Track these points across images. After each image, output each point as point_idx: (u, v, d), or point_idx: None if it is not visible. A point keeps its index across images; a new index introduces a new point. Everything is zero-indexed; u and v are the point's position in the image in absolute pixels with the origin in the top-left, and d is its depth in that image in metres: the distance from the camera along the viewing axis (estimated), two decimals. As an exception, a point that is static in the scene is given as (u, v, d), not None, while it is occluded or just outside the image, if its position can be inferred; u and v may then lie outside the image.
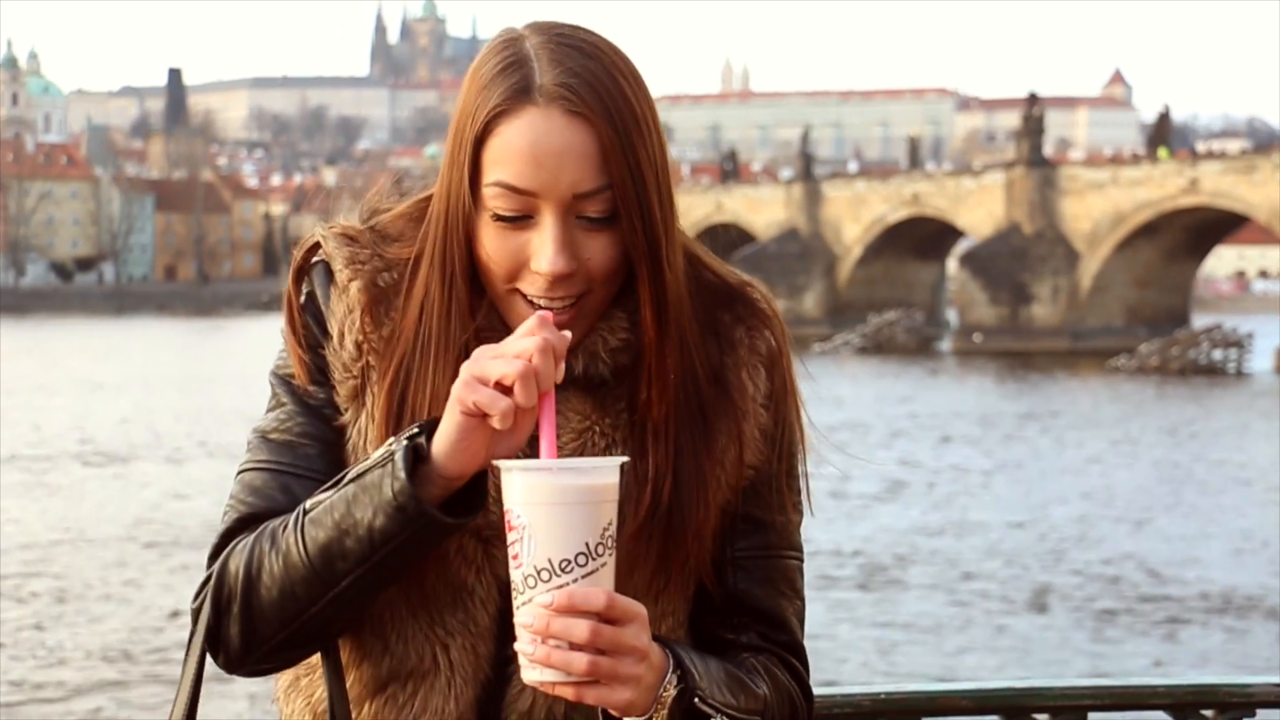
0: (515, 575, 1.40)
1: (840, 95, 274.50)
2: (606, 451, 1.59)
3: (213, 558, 1.60)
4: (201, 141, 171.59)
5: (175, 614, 16.54)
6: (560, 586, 1.37)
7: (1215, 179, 62.61)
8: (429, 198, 1.69)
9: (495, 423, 1.41)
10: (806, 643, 1.72)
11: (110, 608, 17.16)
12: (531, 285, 1.55)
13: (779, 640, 1.68)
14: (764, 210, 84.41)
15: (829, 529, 20.60)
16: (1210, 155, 67.28)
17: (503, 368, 1.41)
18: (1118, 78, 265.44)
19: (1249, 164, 62.55)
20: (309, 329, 1.66)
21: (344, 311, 1.64)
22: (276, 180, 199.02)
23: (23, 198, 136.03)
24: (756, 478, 1.66)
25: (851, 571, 18.87)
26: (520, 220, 1.54)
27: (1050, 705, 2.53)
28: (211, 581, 1.57)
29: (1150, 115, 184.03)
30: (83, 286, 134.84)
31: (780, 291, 78.89)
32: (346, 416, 1.63)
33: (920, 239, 77.19)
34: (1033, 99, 73.28)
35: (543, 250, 1.52)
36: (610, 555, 1.40)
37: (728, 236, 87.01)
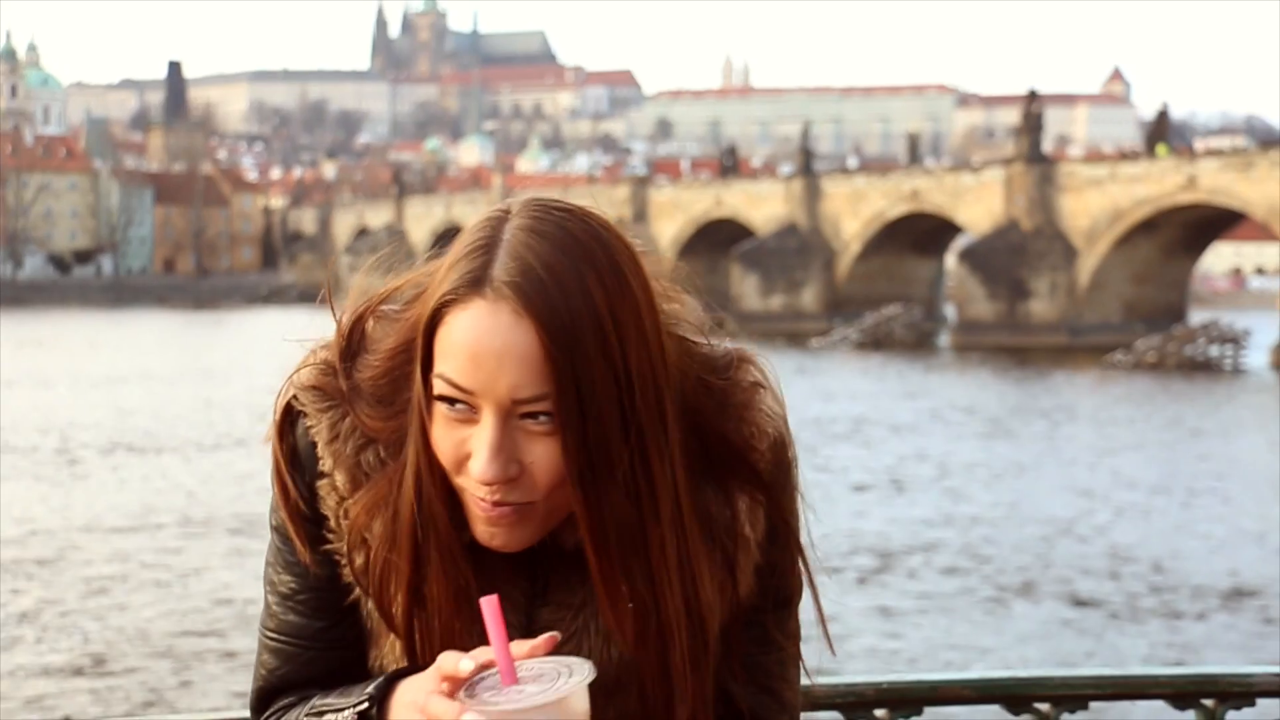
0: None
1: (840, 91, 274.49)
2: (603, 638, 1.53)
3: (255, 713, 1.62)
4: (201, 135, 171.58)
5: (223, 600, 16.60)
6: None
7: (1213, 176, 62.66)
8: (416, 297, 1.57)
9: None
10: (809, 637, 1.68)
11: (150, 595, 17.19)
12: (474, 485, 1.46)
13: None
14: (763, 205, 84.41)
15: (830, 520, 20.63)
16: (1208, 152, 67.29)
17: None
18: (1117, 75, 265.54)
19: (1246, 161, 62.59)
20: (303, 500, 1.58)
21: (336, 501, 1.55)
22: (276, 174, 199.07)
23: (21, 190, 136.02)
24: (746, 615, 1.59)
25: (853, 562, 18.90)
26: (465, 409, 1.44)
27: (1052, 695, 2.54)
28: None
29: (1149, 112, 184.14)
30: (81, 279, 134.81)
31: (779, 287, 79.02)
32: (356, 592, 1.58)
33: (919, 235, 77.22)
34: (1032, 96, 73.30)
35: (478, 453, 1.44)
36: None
37: (728, 231, 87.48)
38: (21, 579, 18.23)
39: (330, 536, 1.56)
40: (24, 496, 24.36)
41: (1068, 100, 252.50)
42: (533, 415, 1.42)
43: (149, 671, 14.09)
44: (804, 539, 1.63)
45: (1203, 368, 54.98)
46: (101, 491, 25.08)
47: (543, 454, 1.43)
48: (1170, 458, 30.00)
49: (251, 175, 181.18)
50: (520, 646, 1.36)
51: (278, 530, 1.60)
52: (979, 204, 71.37)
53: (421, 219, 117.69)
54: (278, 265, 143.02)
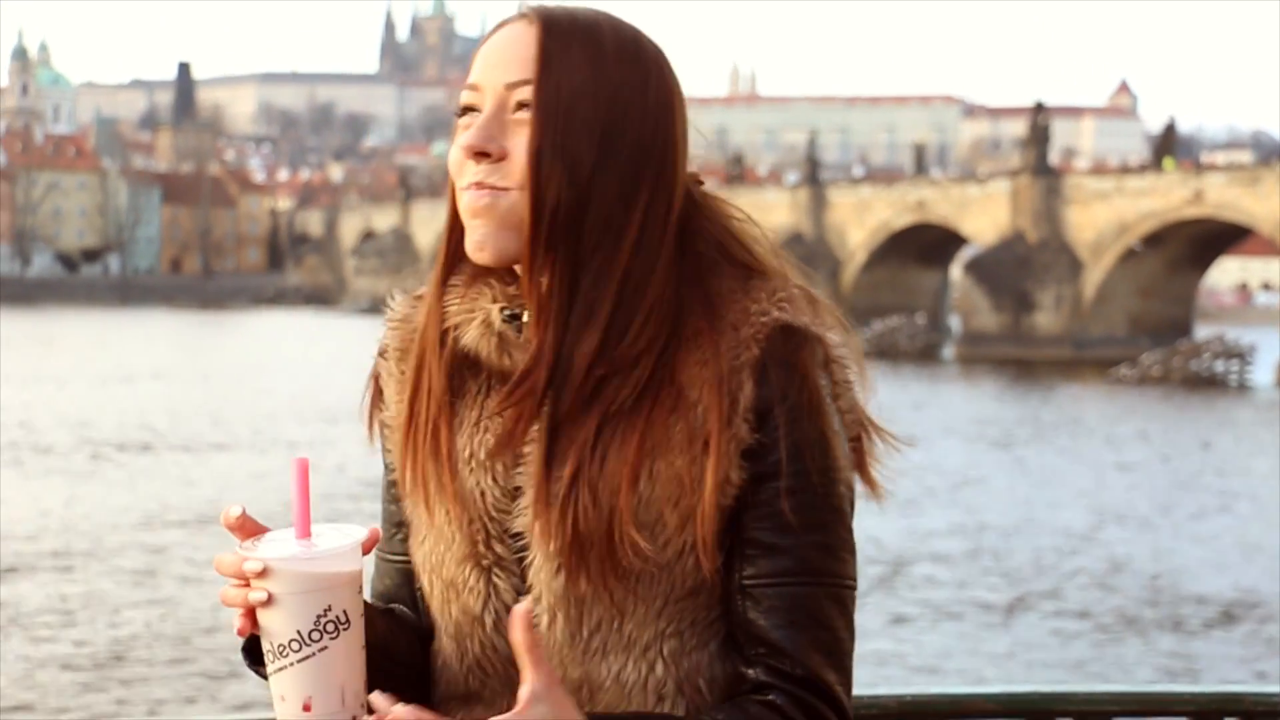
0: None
1: (847, 101, 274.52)
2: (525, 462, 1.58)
3: None
4: (209, 135, 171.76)
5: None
6: (281, 669, 1.44)
7: (1220, 191, 62.60)
8: None
9: None
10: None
11: (175, 590, 17.21)
12: (465, 174, 1.58)
13: (791, 675, 1.53)
14: (769, 214, 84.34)
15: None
16: (1215, 167, 67.26)
17: None
18: (1124, 88, 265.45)
19: (1253, 176, 62.55)
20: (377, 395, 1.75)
21: (387, 374, 1.73)
22: (283, 175, 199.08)
23: (30, 188, 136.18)
24: (755, 497, 1.54)
25: (863, 571, 18.89)
26: (471, 114, 1.59)
27: (1075, 710, 2.54)
28: None
29: (1156, 126, 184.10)
30: (88, 278, 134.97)
31: (784, 295, 78.81)
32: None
33: (924, 245, 77.20)
34: (1039, 108, 73.28)
35: (469, 131, 1.58)
36: (332, 639, 1.44)
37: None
38: (43, 575, 18.26)
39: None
40: (41, 493, 24.40)
41: (1074, 112, 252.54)
42: (518, 106, 1.55)
43: (170, 669, 14.11)
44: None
45: (1208, 383, 54.91)
46: (118, 490, 25.11)
47: (520, 142, 1.55)
48: (1176, 472, 29.98)
49: (259, 176, 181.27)
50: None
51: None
52: (984, 215, 71.34)
53: (428, 222, 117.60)
54: (284, 267, 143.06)
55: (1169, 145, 77.53)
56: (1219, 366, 56.74)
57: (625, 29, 1.60)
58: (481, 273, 1.63)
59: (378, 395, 1.73)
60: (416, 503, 1.65)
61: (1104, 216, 66.12)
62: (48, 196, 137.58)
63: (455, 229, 1.63)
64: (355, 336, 78.01)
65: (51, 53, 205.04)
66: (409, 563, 1.69)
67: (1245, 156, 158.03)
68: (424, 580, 1.65)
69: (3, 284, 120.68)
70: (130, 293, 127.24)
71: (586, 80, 1.54)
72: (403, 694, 1.49)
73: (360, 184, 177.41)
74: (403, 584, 1.71)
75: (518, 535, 1.57)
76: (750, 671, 1.54)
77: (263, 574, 1.42)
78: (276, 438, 32.88)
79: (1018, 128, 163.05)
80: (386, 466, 1.73)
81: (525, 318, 1.60)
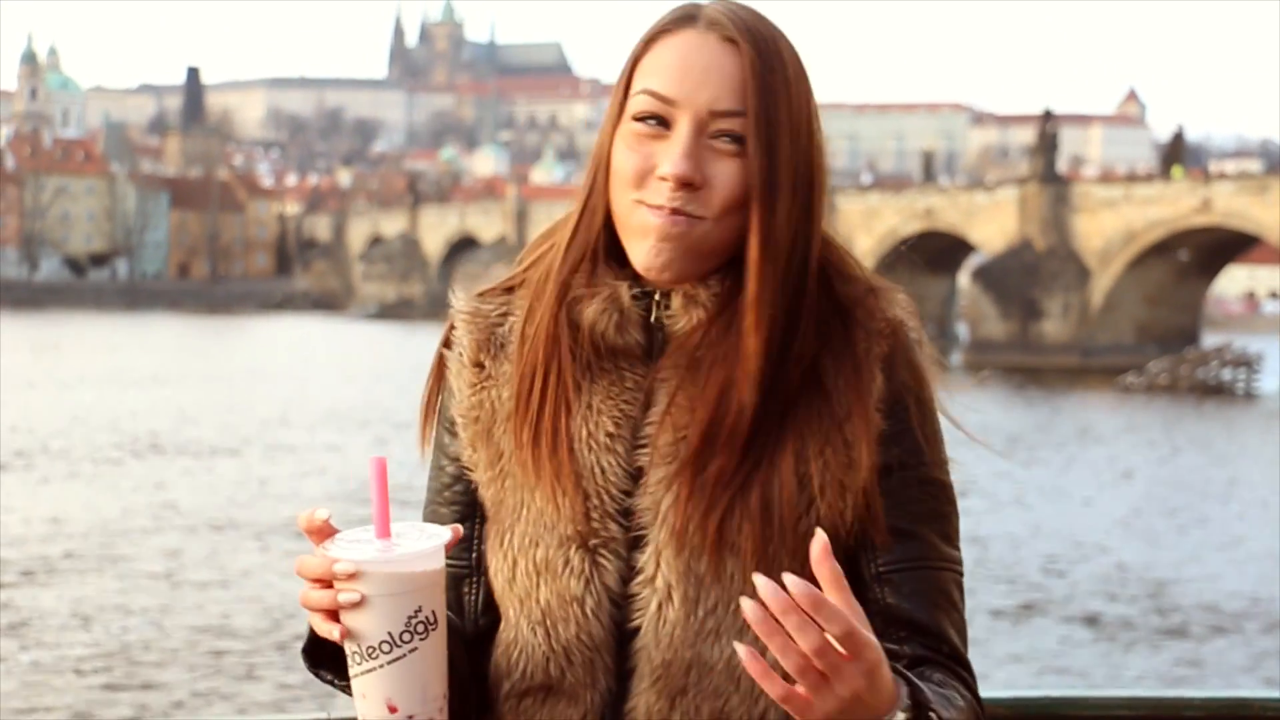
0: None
1: (855, 108, 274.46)
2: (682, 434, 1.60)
3: None
4: (218, 140, 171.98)
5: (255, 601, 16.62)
6: (369, 671, 1.45)
7: (1228, 199, 62.60)
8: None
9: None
10: None
11: (191, 596, 17.26)
12: (655, 193, 1.58)
13: (941, 652, 1.62)
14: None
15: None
16: (1223, 175, 67.26)
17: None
18: (1132, 96, 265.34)
19: (1261, 185, 62.56)
20: (443, 400, 1.75)
21: (458, 368, 1.72)
22: (291, 180, 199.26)
23: (39, 192, 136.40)
24: (886, 486, 1.62)
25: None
26: (655, 126, 1.58)
27: (1086, 715, 2.56)
28: None
29: (1164, 134, 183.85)
30: (96, 282, 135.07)
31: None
32: (476, 474, 1.71)
33: (932, 253, 77.15)
34: (1047, 115, 73.26)
35: (670, 154, 1.56)
36: (422, 640, 1.45)
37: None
38: (55, 578, 18.31)
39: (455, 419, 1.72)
40: (50, 497, 24.45)
41: (1082, 120, 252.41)
42: (721, 135, 1.56)
43: (184, 674, 14.14)
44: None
45: (1215, 391, 54.84)
46: (126, 494, 25.15)
47: (725, 173, 1.56)
48: (1183, 480, 29.96)
49: (267, 181, 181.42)
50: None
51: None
52: (993, 223, 71.32)
53: (436, 228, 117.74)
54: (292, 272, 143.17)
55: (1177, 153, 77.53)
56: (1226, 375, 56.67)
57: (790, 44, 1.63)
58: (597, 267, 1.66)
59: (437, 388, 1.75)
60: (508, 488, 1.66)
61: (1112, 224, 66.12)
62: (56, 201, 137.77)
63: (599, 233, 1.65)
64: (363, 341, 78.15)
65: (60, 57, 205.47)
66: (456, 566, 1.70)
67: (1253, 165, 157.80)
68: (503, 568, 1.65)
69: (10, 288, 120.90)
70: (138, 297, 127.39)
71: (787, 114, 1.59)
72: (454, 694, 1.52)
73: (368, 189, 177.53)
74: (449, 587, 1.71)
75: (628, 515, 1.60)
76: (904, 648, 1.61)
77: (353, 576, 1.43)
78: (284, 443, 32.92)
79: (1026, 135, 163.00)
80: (439, 467, 1.74)
81: (660, 298, 1.63)
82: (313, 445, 32.34)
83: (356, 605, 1.43)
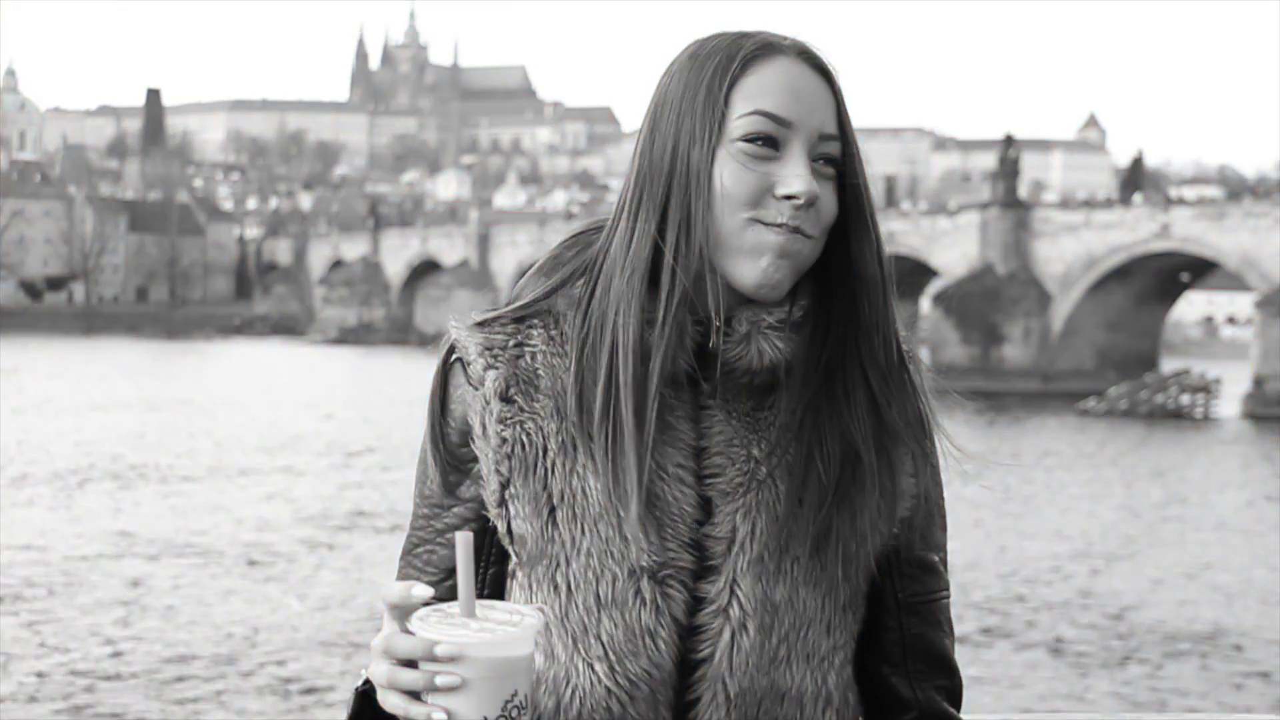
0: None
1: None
2: (758, 483, 1.63)
3: None
4: (178, 163, 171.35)
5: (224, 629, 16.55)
6: None
7: (1186, 225, 63.16)
8: (584, 231, 1.75)
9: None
10: None
11: (156, 622, 17.17)
12: (775, 212, 1.61)
13: (948, 687, 1.74)
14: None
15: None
16: (1182, 201, 67.87)
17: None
18: (1092, 121, 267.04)
19: (1220, 211, 63.14)
20: (449, 438, 1.70)
21: (481, 405, 1.67)
22: (252, 203, 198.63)
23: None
24: (916, 516, 1.71)
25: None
26: (768, 147, 1.61)
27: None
28: None
29: (1124, 160, 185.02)
30: (52, 306, 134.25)
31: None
32: (493, 514, 1.67)
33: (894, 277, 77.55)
34: (1008, 140, 73.78)
35: (794, 174, 1.61)
36: None
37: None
38: (20, 604, 18.21)
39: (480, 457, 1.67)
40: (6, 524, 24.30)
41: (1043, 145, 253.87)
42: (821, 158, 1.63)
43: (145, 701, 14.08)
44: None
45: (1174, 416, 55.26)
46: (85, 520, 25.02)
47: (826, 194, 1.63)
48: (1142, 504, 30.17)
49: (227, 204, 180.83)
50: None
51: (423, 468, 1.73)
52: (954, 248, 71.75)
53: (398, 251, 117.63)
54: (252, 296, 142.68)
55: (1137, 179, 78.14)
56: (1185, 400, 57.12)
57: None
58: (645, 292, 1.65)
59: (442, 421, 1.69)
60: (560, 521, 1.63)
61: (1072, 249, 66.61)
62: (12, 224, 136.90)
63: (648, 258, 1.64)
64: (323, 366, 77.89)
65: (18, 78, 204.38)
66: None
67: (1213, 191, 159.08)
68: (553, 607, 1.63)
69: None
70: (95, 321, 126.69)
71: (857, 151, 1.68)
72: None
73: (330, 212, 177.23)
74: None
75: (699, 545, 1.61)
76: (919, 694, 1.72)
77: (454, 659, 1.40)
78: (242, 468, 32.81)
79: (988, 160, 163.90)
80: (440, 507, 1.71)
81: (720, 324, 1.63)
82: (273, 471, 32.25)
83: (455, 688, 1.41)
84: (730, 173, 1.61)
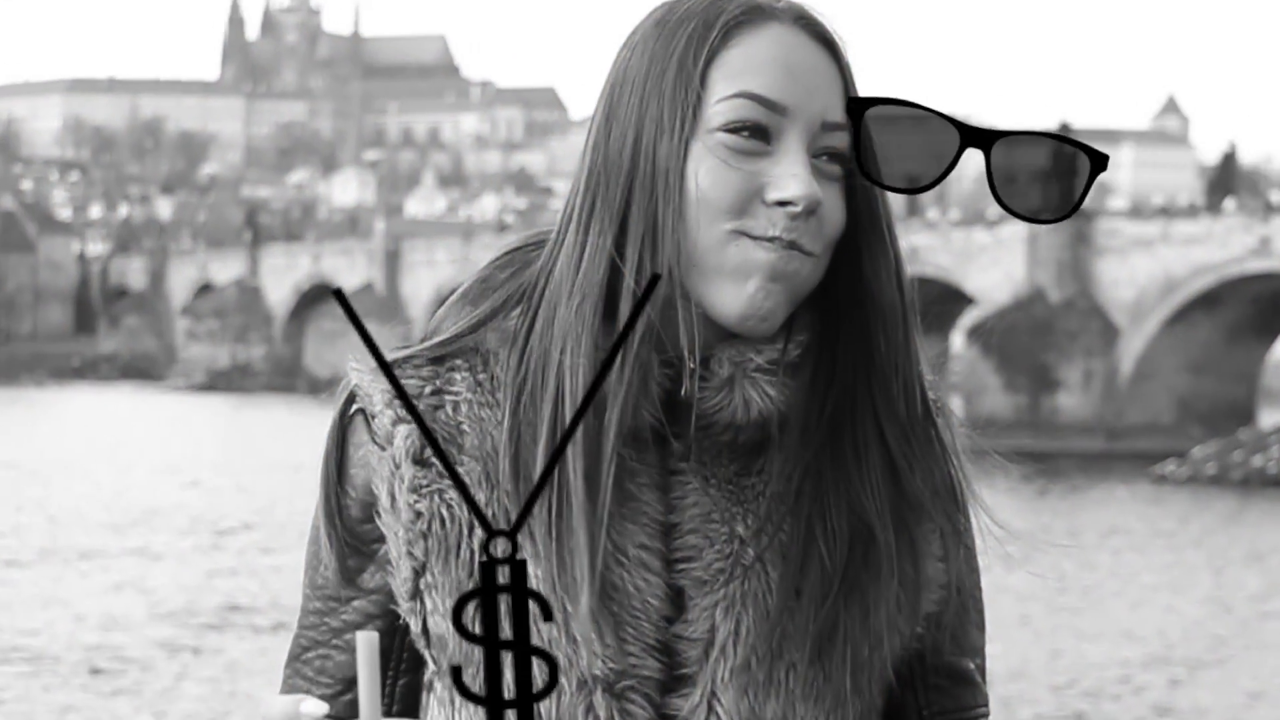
0: None
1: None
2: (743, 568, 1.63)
3: None
4: (1, 159, 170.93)
5: None
6: None
7: (1292, 238, 63.51)
8: (521, 247, 1.74)
9: None
10: None
11: None
12: (765, 222, 1.57)
13: None
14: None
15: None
16: (1285, 209, 68.21)
17: None
18: (1171, 107, 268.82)
19: (1334, 221, 63.52)
20: (347, 511, 1.69)
21: (389, 469, 1.65)
22: (96, 212, 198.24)
23: None
24: (941, 612, 1.71)
25: None
26: (757, 139, 1.58)
27: None
28: None
29: (1212, 155, 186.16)
30: None
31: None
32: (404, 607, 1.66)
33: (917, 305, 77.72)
34: (1064, 130, 74.14)
35: (788, 173, 1.57)
36: None
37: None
38: None
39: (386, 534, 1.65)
40: None
41: (1110, 136, 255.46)
42: (824, 153, 1.59)
43: None
44: None
45: (1276, 483, 55.38)
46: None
47: (831, 199, 1.59)
48: (1236, 597, 30.24)
49: (64, 213, 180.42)
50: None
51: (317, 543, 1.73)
52: (995, 268, 71.93)
53: (282, 273, 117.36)
54: (95, 330, 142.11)
55: (1228, 180, 78.55)
56: (1290, 462, 57.31)
57: None
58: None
59: (339, 490, 1.67)
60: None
61: (1146, 270, 66.78)
62: None
63: (602, 283, 1.62)
64: (187, 419, 77.53)
65: None
66: None
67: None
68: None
69: None
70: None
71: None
72: None
73: (195, 223, 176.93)
74: None
75: (668, 649, 1.60)
76: None
77: None
78: (83, 550, 32.65)
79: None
80: (337, 600, 1.70)
81: (691, 371, 1.61)
82: (123, 554, 32.10)
83: None
84: (708, 171, 1.57)
